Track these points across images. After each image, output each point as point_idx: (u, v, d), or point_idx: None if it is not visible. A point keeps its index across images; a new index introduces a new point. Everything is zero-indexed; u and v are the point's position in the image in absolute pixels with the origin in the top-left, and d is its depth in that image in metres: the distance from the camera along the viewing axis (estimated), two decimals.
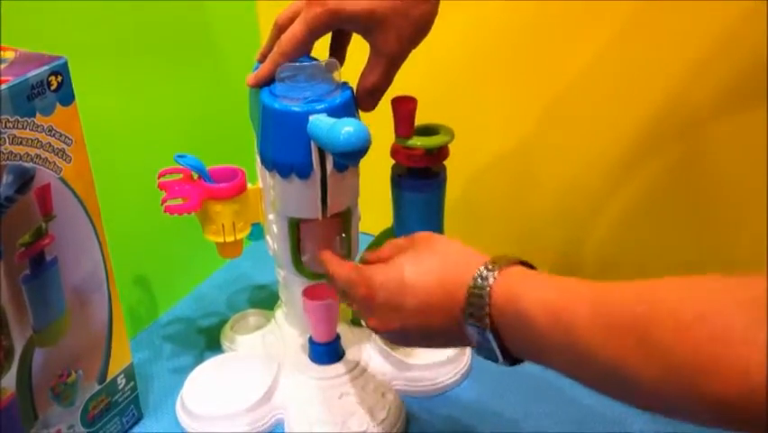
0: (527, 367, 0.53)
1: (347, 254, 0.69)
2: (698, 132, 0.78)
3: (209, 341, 0.85)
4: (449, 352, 0.78)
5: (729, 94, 0.75)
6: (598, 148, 0.83)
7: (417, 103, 0.69)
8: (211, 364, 0.77)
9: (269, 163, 0.64)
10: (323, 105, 0.61)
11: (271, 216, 0.70)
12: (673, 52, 0.76)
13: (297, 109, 0.61)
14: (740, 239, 0.80)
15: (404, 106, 0.69)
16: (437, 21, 0.62)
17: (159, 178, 0.73)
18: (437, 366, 0.77)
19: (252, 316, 0.85)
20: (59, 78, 0.58)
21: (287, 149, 0.62)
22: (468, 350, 0.80)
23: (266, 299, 0.90)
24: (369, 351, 0.78)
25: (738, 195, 0.78)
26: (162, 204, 0.70)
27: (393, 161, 0.73)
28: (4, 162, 0.55)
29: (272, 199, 0.67)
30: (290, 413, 0.72)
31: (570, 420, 0.73)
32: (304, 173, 0.63)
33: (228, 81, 0.91)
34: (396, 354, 0.77)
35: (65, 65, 0.59)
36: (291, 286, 0.76)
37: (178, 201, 0.70)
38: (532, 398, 0.75)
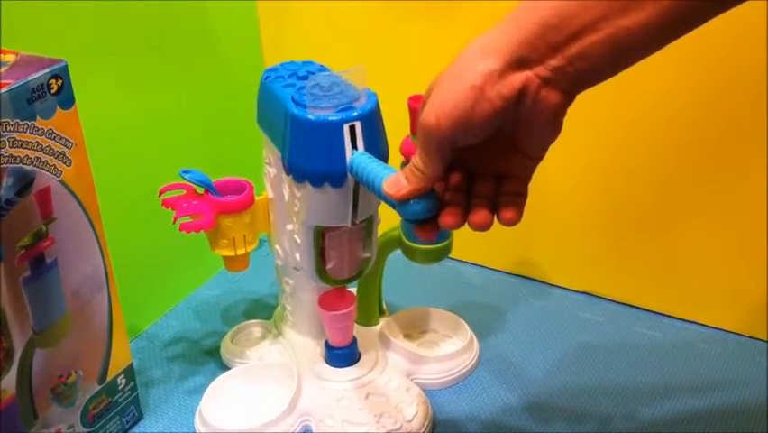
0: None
1: (370, 258, 0.69)
2: (696, 132, 0.79)
3: (209, 342, 0.85)
4: (462, 342, 0.79)
5: (729, 94, 0.75)
6: (598, 151, 0.84)
7: None
8: (226, 378, 0.76)
9: (300, 174, 0.63)
10: (356, 113, 0.60)
11: (290, 227, 0.69)
12: (672, 53, 0.76)
13: (333, 118, 0.60)
14: (740, 239, 0.80)
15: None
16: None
17: (160, 195, 0.71)
18: (452, 356, 0.78)
19: (252, 327, 0.84)
20: (60, 82, 0.59)
21: (322, 158, 0.61)
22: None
23: (262, 307, 0.90)
24: (382, 349, 0.78)
25: (738, 195, 0.78)
26: (174, 222, 0.69)
27: (402, 159, 0.73)
28: (4, 165, 0.56)
29: (297, 210, 0.66)
30: (319, 418, 0.72)
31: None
32: (338, 182, 0.62)
33: (228, 81, 0.92)
34: (410, 348, 0.78)
35: (65, 68, 0.59)
36: (303, 294, 0.76)
37: (188, 219, 0.70)
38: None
